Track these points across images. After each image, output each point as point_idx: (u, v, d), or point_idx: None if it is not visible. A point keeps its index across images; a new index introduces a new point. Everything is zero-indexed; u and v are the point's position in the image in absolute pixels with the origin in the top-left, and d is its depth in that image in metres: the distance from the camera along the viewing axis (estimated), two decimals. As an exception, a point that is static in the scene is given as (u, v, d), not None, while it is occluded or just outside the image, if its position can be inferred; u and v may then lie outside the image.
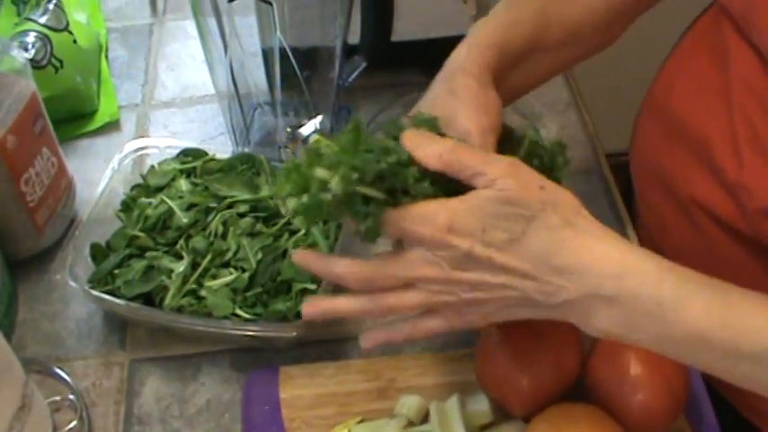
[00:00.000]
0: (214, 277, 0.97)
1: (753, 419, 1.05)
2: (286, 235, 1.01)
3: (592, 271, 0.70)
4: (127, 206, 1.06)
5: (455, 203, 0.71)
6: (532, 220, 0.70)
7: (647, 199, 1.10)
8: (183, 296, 0.96)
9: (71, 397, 0.97)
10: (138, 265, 0.99)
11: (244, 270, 0.98)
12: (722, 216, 0.94)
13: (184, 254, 0.99)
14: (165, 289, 0.97)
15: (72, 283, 0.96)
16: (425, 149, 0.72)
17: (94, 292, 0.97)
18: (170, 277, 0.97)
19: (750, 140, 0.89)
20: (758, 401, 1.03)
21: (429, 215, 0.71)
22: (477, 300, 0.74)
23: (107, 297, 0.97)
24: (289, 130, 1.14)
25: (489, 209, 0.70)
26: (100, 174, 1.08)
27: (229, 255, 0.98)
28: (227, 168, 1.07)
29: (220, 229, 1.01)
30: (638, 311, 0.70)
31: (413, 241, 0.73)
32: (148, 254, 1.00)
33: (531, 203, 0.70)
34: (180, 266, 0.97)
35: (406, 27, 1.14)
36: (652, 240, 1.09)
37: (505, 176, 0.70)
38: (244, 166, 1.08)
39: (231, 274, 0.97)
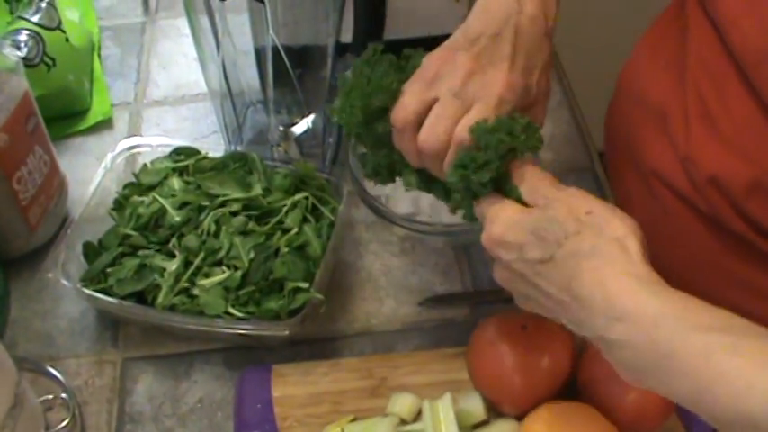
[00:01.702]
0: (206, 276, 0.97)
1: None
2: (278, 233, 1.01)
3: (599, 311, 0.67)
4: (119, 205, 1.06)
5: (510, 215, 0.75)
6: (563, 244, 0.70)
7: (615, 170, 1.14)
8: (176, 294, 0.96)
9: (63, 395, 0.97)
10: (131, 263, 0.98)
11: (236, 268, 0.98)
12: (677, 187, 0.98)
13: (177, 252, 0.99)
14: (158, 287, 0.97)
15: (64, 282, 0.96)
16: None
17: (87, 291, 0.97)
18: (162, 276, 0.97)
19: (699, 114, 0.92)
20: None
21: (487, 221, 0.77)
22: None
23: (99, 295, 0.97)
24: (281, 128, 1.14)
25: (533, 226, 0.72)
26: (92, 172, 1.08)
27: (222, 253, 0.98)
28: (219, 167, 1.07)
29: (213, 227, 1.00)
30: (636, 360, 0.66)
31: None
32: (141, 252, 1.00)
33: (568, 226, 0.71)
34: (172, 265, 0.97)
35: (398, 26, 1.14)
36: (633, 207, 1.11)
37: (558, 200, 0.73)
38: (236, 165, 1.08)
39: (224, 272, 0.97)
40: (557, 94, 1.32)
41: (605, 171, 1.21)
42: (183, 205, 1.03)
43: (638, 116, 1.04)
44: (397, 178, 0.92)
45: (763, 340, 0.61)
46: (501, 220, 0.75)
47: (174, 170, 1.08)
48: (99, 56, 1.38)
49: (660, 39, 1.05)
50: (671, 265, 0.92)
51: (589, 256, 0.69)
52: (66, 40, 1.23)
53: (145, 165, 1.10)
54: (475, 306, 1.07)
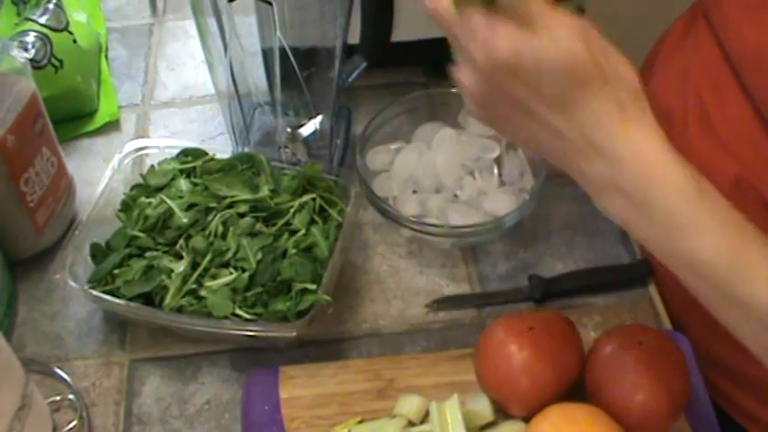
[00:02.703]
0: (214, 277, 0.97)
1: (742, 422, 1.06)
2: (286, 235, 1.01)
3: (621, 163, 0.69)
4: (127, 206, 1.06)
5: (529, 41, 0.68)
6: (587, 87, 0.68)
7: None
8: (183, 296, 0.96)
9: (71, 397, 0.97)
10: (138, 264, 0.99)
11: (244, 270, 0.97)
12: None
13: (184, 254, 0.99)
14: (165, 289, 0.97)
15: (72, 283, 0.96)
16: None
17: (94, 292, 0.97)
18: (170, 277, 0.97)
19: (698, 116, 0.93)
20: (747, 403, 1.04)
21: (493, 35, 0.68)
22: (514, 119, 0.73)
23: (107, 297, 0.97)
24: (289, 130, 1.14)
25: (552, 68, 0.68)
26: (100, 174, 1.08)
27: (229, 255, 0.98)
28: (226, 168, 1.07)
29: (220, 228, 1.00)
30: (647, 215, 0.69)
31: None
32: (148, 254, 1.00)
33: (592, 71, 0.68)
34: (180, 266, 0.97)
35: (406, 27, 1.14)
36: None
37: (575, 39, 0.68)
38: (244, 166, 1.07)
39: (231, 273, 0.97)
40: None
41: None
42: (190, 206, 1.03)
43: None
44: None
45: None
46: (507, 36, 0.68)
47: (181, 171, 1.08)
48: (106, 57, 1.38)
49: (677, 45, 1.05)
50: None
51: (614, 106, 0.69)
52: (74, 41, 1.23)
53: (152, 166, 1.10)
54: (482, 307, 1.07)
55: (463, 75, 0.73)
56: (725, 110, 0.90)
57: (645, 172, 0.69)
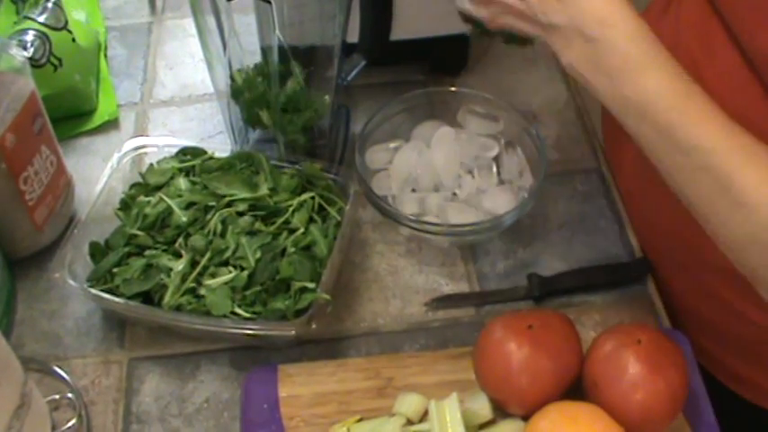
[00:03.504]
0: (213, 276, 0.97)
1: (733, 387, 1.07)
2: (285, 233, 1.01)
3: (586, 10, 0.79)
4: (126, 205, 1.06)
5: None
6: None
7: (618, 166, 1.17)
8: (182, 295, 0.96)
9: (70, 395, 0.97)
10: (137, 263, 0.99)
11: (243, 269, 0.98)
12: None
13: (183, 252, 0.99)
14: (164, 287, 0.97)
15: (71, 282, 0.96)
16: None
17: (93, 291, 0.97)
18: (169, 276, 0.97)
19: (691, 75, 0.92)
20: (738, 367, 1.06)
21: None
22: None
23: (106, 296, 0.97)
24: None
25: None
26: (99, 172, 1.08)
27: (228, 253, 0.98)
28: (225, 167, 1.07)
29: (219, 227, 1.01)
30: (606, 60, 0.79)
31: None
32: (147, 252, 1.00)
33: None
34: (179, 265, 0.97)
35: (404, 26, 1.14)
36: (635, 204, 1.15)
37: None
38: (243, 165, 1.08)
39: (230, 272, 0.97)
40: (563, 94, 1.32)
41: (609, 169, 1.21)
42: (189, 205, 1.03)
43: None
44: None
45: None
46: None
47: (180, 170, 1.08)
48: (105, 56, 1.38)
49: (660, 15, 1.05)
50: (683, 241, 0.94)
51: None
52: (73, 40, 1.23)
53: (151, 165, 1.10)
54: (481, 306, 1.07)
55: None
56: (713, 61, 0.92)
57: (606, 17, 0.78)
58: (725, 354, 1.07)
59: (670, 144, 0.77)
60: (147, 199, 1.04)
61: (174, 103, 1.32)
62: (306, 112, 1.09)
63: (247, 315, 0.95)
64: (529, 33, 0.86)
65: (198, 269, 0.98)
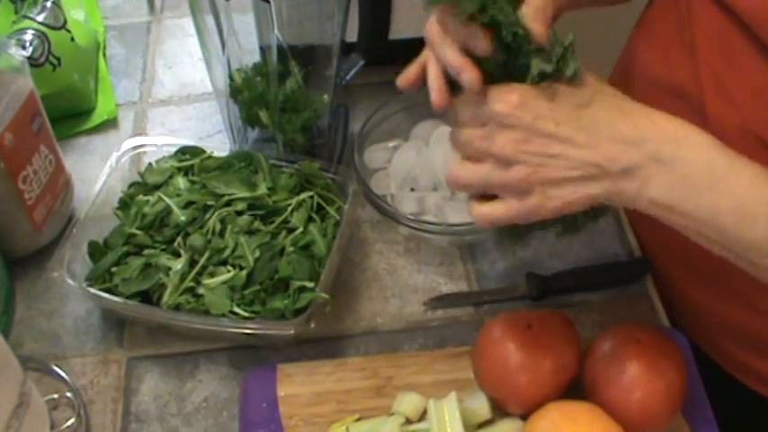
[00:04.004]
0: (212, 275, 0.97)
1: (738, 375, 1.08)
2: (284, 233, 1.01)
3: (651, 138, 0.74)
4: (124, 204, 1.06)
5: (528, 88, 0.76)
6: (595, 94, 0.76)
7: None
8: (181, 294, 0.96)
9: (69, 395, 0.97)
10: (136, 262, 0.99)
11: (241, 268, 0.98)
12: None
13: (182, 252, 0.99)
14: (163, 287, 0.97)
15: (70, 281, 0.96)
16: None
17: (92, 290, 0.97)
18: (168, 275, 0.97)
19: (713, 87, 0.94)
20: (739, 354, 1.06)
21: (503, 92, 0.76)
22: (542, 176, 0.76)
23: (105, 295, 0.97)
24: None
25: (556, 94, 0.76)
26: (98, 171, 1.08)
27: (227, 252, 0.98)
28: (224, 166, 1.07)
29: (218, 226, 1.01)
30: (692, 177, 0.73)
31: (487, 118, 0.77)
32: (146, 252, 1.00)
33: (590, 88, 0.76)
34: (178, 264, 0.97)
35: (403, 25, 1.14)
36: None
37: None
38: (241, 164, 1.08)
39: (229, 271, 0.97)
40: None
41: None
42: (188, 204, 1.03)
43: (649, 94, 1.03)
44: None
45: None
46: (518, 91, 0.76)
47: (179, 169, 1.08)
48: (104, 55, 1.38)
49: (658, 20, 1.05)
50: (690, 252, 0.93)
51: (623, 100, 0.77)
52: (72, 39, 1.23)
53: (150, 164, 1.10)
54: (480, 305, 1.07)
55: (499, 140, 0.77)
56: (736, 69, 0.91)
57: (674, 135, 0.74)
58: (728, 343, 1.07)
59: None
60: (145, 198, 1.04)
61: (172, 102, 1.32)
62: (305, 111, 1.09)
63: (246, 314, 0.95)
64: (593, 197, 0.76)
65: (197, 268, 0.98)
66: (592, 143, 0.74)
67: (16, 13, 1.24)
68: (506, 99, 0.75)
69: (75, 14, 1.31)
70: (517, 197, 0.77)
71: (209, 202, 1.03)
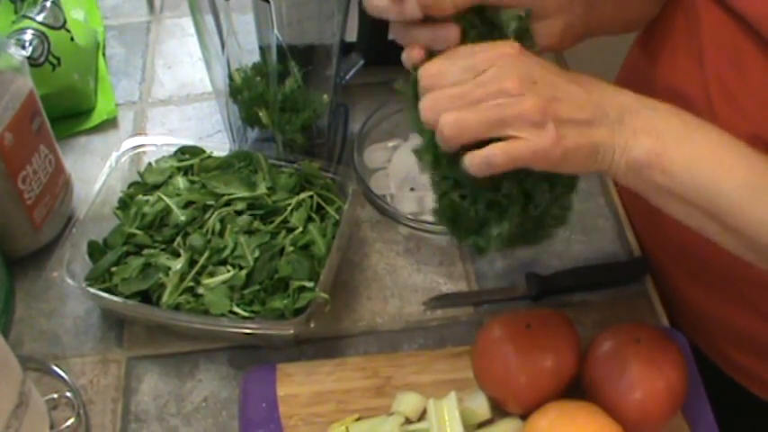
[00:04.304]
0: (211, 275, 0.97)
1: (736, 377, 1.08)
2: (283, 233, 1.01)
3: (628, 100, 0.76)
4: (124, 204, 1.06)
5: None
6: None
7: None
8: (181, 294, 0.96)
9: (68, 394, 0.97)
10: (136, 262, 0.99)
11: (241, 268, 0.98)
12: None
13: (182, 251, 0.99)
14: (163, 286, 0.97)
15: (69, 281, 0.96)
16: None
17: (92, 290, 0.97)
18: (167, 275, 0.97)
19: (721, 95, 0.93)
20: (739, 357, 1.06)
21: (502, 43, 0.75)
22: (555, 110, 0.73)
23: (104, 295, 0.97)
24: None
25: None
26: (97, 171, 1.08)
27: (227, 252, 0.98)
28: (224, 166, 1.07)
29: (218, 226, 1.01)
30: (669, 129, 0.75)
31: (488, 64, 0.74)
32: (146, 251, 1.00)
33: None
34: (177, 264, 0.97)
35: (403, 25, 1.13)
36: (633, 203, 1.15)
37: None
38: (241, 164, 1.08)
39: (228, 271, 0.97)
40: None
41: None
42: (187, 204, 1.03)
43: None
44: None
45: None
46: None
47: (178, 169, 1.08)
48: (104, 55, 1.38)
49: (664, 25, 1.05)
50: (689, 253, 0.93)
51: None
52: (72, 39, 1.23)
53: (150, 164, 1.10)
54: (479, 305, 1.07)
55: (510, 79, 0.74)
56: (745, 76, 0.91)
57: (643, 102, 0.76)
58: (728, 346, 1.07)
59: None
60: (145, 198, 1.04)
61: (172, 102, 1.32)
62: (304, 111, 1.09)
63: (246, 314, 0.95)
64: (596, 146, 0.74)
65: (196, 268, 0.98)
66: (591, 90, 0.74)
67: (16, 12, 1.24)
68: (508, 46, 0.74)
69: (75, 14, 1.31)
70: (530, 132, 0.71)
71: (209, 202, 1.03)
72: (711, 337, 1.08)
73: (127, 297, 0.97)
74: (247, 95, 1.08)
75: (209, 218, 1.01)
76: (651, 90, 1.04)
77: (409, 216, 1.07)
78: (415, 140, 1.18)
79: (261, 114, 1.08)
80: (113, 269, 0.99)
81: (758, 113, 0.90)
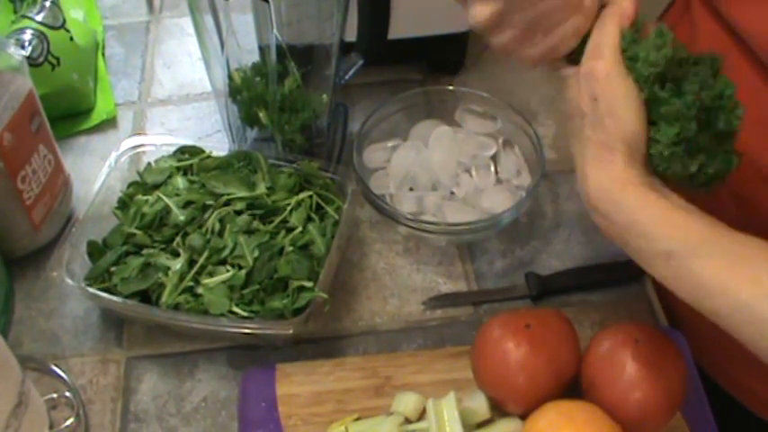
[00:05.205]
0: (211, 275, 0.97)
1: (743, 398, 1.07)
2: (282, 232, 1.01)
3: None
4: (123, 203, 1.06)
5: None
6: (572, 116, 0.80)
7: None
8: (180, 293, 0.96)
9: (68, 394, 0.97)
10: (135, 262, 0.99)
11: (240, 267, 0.98)
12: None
13: (181, 251, 0.99)
14: (162, 286, 0.97)
15: (69, 281, 0.96)
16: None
17: (91, 290, 0.97)
18: (167, 275, 0.97)
19: None
20: (747, 378, 1.05)
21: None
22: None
23: (104, 295, 0.97)
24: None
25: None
26: (97, 171, 1.08)
27: (226, 252, 0.98)
28: (223, 166, 1.07)
29: (217, 226, 1.01)
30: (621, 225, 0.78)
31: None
32: (145, 251, 1.00)
33: (575, 109, 0.79)
34: (177, 264, 0.97)
35: (402, 24, 1.13)
36: None
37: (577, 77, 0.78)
38: (240, 164, 1.08)
39: (228, 271, 0.97)
40: (560, 93, 1.32)
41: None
42: (187, 204, 1.03)
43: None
44: None
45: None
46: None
47: (178, 169, 1.08)
48: (103, 55, 1.38)
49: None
50: None
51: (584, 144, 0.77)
52: (71, 39, 1.23)
53: (149, 164, 1.10)
54: (479, 305, 1.07)
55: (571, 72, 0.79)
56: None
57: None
58: (723, 357, 1.07)
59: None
60: (144, 198, 1.04)
61: (171, 101, 1.32)
62: (304, 111, 1.09)
63: (245, 314, 0.95)
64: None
65: (196, 268, 0.98)
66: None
67: (15, 12, 1.24)
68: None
69: (74, 14, 1.31)
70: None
71: (209, 202, 1.03)
72: (709, 348, 1.08)
73: (126, 297, 0.97)
74: (247, 95, 1.08)
75: (209, 218, 1.01)
76: None
77: (408, 216, 1.07)
78: (414, 141, 1.18)
79: (260, 114, 1.08)
80: (113, 269, 0.99)
81: (745, 130, 0.90)
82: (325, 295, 0.95)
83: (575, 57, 0.80)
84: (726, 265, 0.70)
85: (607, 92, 0.75)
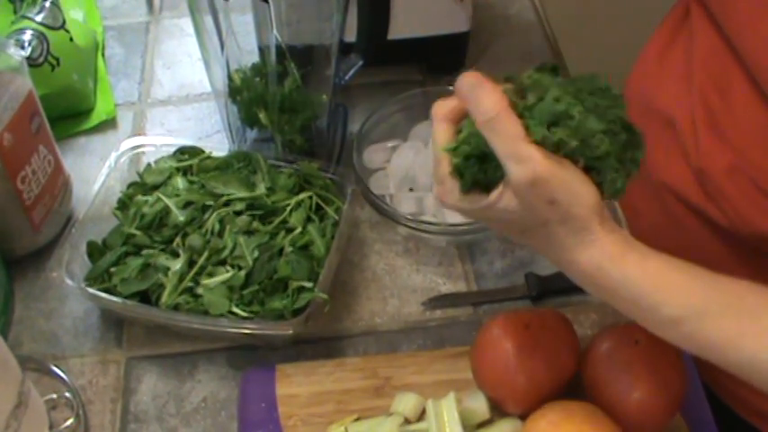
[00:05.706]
0: (210, 275, 0.97)
1: (751, 419, 1.06)
2: (282, 233, 1.01)
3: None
4: (123, 204, 1.06)
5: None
6: (531, 229, 0.73)
7: None
8: (180, 294, 0.96)
9: (67, 395, 0.97)
10: (135, 263, 0.99)
11: (240, 268, 0.98)
12: (692, 201, 0.97)
13: (181, 252, 0.99)
14: (162, 287, 0.97)
15: (68, 281, 0.96)
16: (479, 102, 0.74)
17: (91, 290, 0.97)
18: (166, 275, 0.97)
19: (706, 122, 0.93)
20: (755, 399, 1.04)
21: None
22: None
23: (103, 295, 0.97)
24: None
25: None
26: (96, 172, 1.08)
27: (226, 253, 0.98)
28: (223, 166, 1.07)
29: (217, 226, 1.00)
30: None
31: None
32: (145, 252, 1.00)
33: (533, 222, 0.72)
34: (176, 264, 0.97)
35: (402, 25, 1.14)
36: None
37: (512, 195, 0.71)
38: (240, 164, 1.08)
39: (228, 272, 0.97)
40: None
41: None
42: (187, 205, 1.03)
43: (647, 126, 1.03)
44: None
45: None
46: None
47: (178, 169, 1.08)
48: (103, 55, 1.38)
49: (668, 45, 1.04)
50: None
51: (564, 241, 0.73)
52: (71, 39, 1.23)
53: (149, 164, 1.10)
54: (478, 305, 1.07)
55: (504, 197, 0.74)
56: (733, 112, 0.90)
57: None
58: (713, 365, 1.06)
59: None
60: (144, 198, 1.04)
61: (171, 102, 1.32)
62: (303, 111, 1.09)
63: (245, 314, 0.95)
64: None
65: (195, 268, 0.97)
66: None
67: (15, 12, 1.24)
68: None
69: (74, 14, 1.31)
70: None
71: (208, 203, 1.03)
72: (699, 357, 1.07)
73: (126, 297, 0.97)
74: (246, 96, 1.08)
75: (209, 218, 1.01)
76: (645, 111, 1.03)
77: (408, 216, 1.07)
78: (414, 141, 1.18)
79: (260, 115, 1.08)
80: (112, 269, 0.99)
81: (740, 144, 0.90)
82: (324, 296, 0.95)
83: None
84: (734, 323, 0.70)
85: (562, 187, 0.71)
